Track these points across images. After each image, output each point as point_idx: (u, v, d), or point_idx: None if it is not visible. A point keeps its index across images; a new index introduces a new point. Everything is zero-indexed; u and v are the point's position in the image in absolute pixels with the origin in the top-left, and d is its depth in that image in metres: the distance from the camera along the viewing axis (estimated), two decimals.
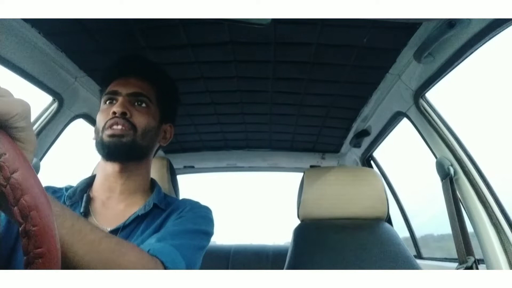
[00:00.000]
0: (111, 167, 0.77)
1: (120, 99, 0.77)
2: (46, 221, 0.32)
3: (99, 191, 0.78)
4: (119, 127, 0.73)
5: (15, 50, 0.90)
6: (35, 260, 0.31)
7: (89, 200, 0.75)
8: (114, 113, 0.74)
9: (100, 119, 0.77)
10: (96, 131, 0.77)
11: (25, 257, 0.32)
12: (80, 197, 0.75)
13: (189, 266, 0.63)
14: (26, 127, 0.36)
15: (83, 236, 0.44)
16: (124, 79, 0.80)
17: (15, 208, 0.31)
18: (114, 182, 0.77)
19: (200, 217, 0.75)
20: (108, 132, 0.73)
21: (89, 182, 0.80)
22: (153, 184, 0.85)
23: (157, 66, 0.90)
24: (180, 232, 0.67)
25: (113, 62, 0.85)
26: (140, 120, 0.77)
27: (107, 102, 0.79)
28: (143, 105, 0.79)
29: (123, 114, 0.74)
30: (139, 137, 0.76)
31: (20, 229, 0.31)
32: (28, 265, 0.31)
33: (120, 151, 0.74)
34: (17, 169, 0.32)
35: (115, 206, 0.76)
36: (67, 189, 0.78)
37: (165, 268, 0.57)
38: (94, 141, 0.78)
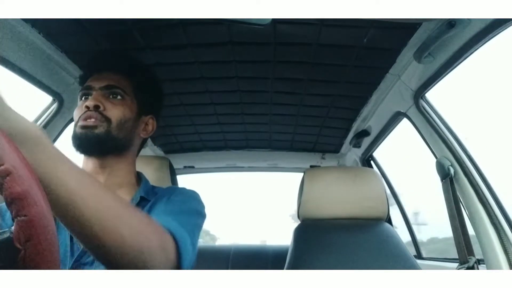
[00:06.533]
0: (92, 163, 0.76)
1: (93, 93, 0.76)
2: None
3: None
4: (92, 120, 0.73)
5: (15, 50, 0.90)
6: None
7: None
8: (87, 107, 0.73)
9: (75, 114, 0.76)
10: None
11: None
12: None
13: (193, 244, 0.61)
14: None
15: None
16: (98, 74, 0.80)
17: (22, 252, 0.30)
18: (96, 178, 0.75)
19: (191, 198, 0.75)
20: (80, 123, 0.73)
21: None
22: (139, 177, 0.84)
23: (131, 58, 0.89)
24: (176, 212, 0.66)
25: (87, 61, 0.85)
26: (115, 112, 0.75)
27: (83, 98, 0.79)
28: (118, 97, 0.78)
29: (95, 107, 0.73)
30: (114, 129, 0.74)
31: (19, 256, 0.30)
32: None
33: (92, 143, 0.72)
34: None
35: None
36: None
37: (176, 244, 0.56)
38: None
